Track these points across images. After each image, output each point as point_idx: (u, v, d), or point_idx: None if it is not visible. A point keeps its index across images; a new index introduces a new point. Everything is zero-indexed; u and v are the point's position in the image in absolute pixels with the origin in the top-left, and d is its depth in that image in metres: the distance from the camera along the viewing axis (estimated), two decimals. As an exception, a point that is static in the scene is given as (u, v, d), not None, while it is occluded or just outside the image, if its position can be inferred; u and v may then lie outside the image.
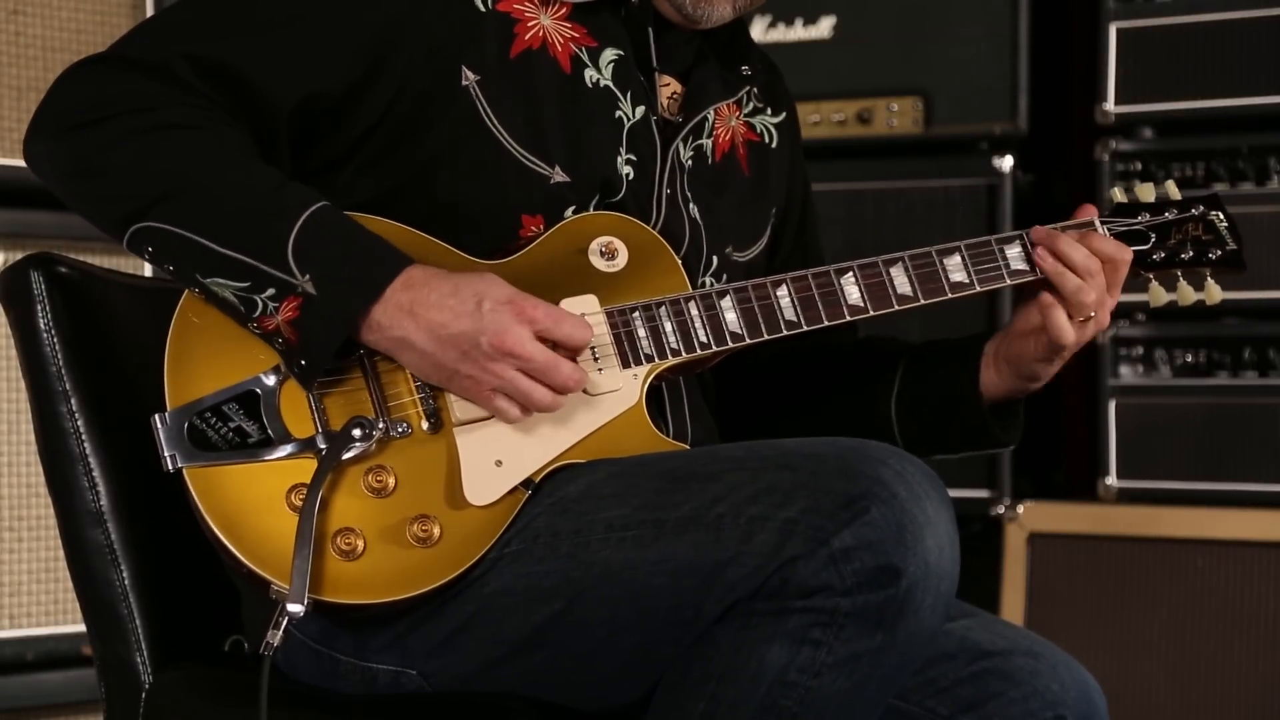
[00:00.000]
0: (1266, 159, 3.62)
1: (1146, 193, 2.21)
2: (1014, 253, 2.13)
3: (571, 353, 1.95)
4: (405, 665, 1.97)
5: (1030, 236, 2.13)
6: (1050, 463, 4.06)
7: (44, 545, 3.41)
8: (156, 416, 1.92)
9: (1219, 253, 2.20)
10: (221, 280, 1.91)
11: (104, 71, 1.97)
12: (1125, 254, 2.13)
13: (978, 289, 2.12)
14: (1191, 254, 2.20)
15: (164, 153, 1.92)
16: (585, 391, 1.98)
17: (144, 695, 2.09)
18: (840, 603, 1.79)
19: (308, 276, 1.89)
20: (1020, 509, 3.73)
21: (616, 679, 1.93)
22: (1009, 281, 2.13)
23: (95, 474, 2.09)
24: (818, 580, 1.79)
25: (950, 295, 2.12)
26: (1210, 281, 2.21)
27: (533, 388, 1.91)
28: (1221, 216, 2.22)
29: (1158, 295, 2.20)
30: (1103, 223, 2.17)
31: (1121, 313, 3.70)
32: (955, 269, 2.12)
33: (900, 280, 2.10)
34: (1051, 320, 2.10)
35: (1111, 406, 3.70)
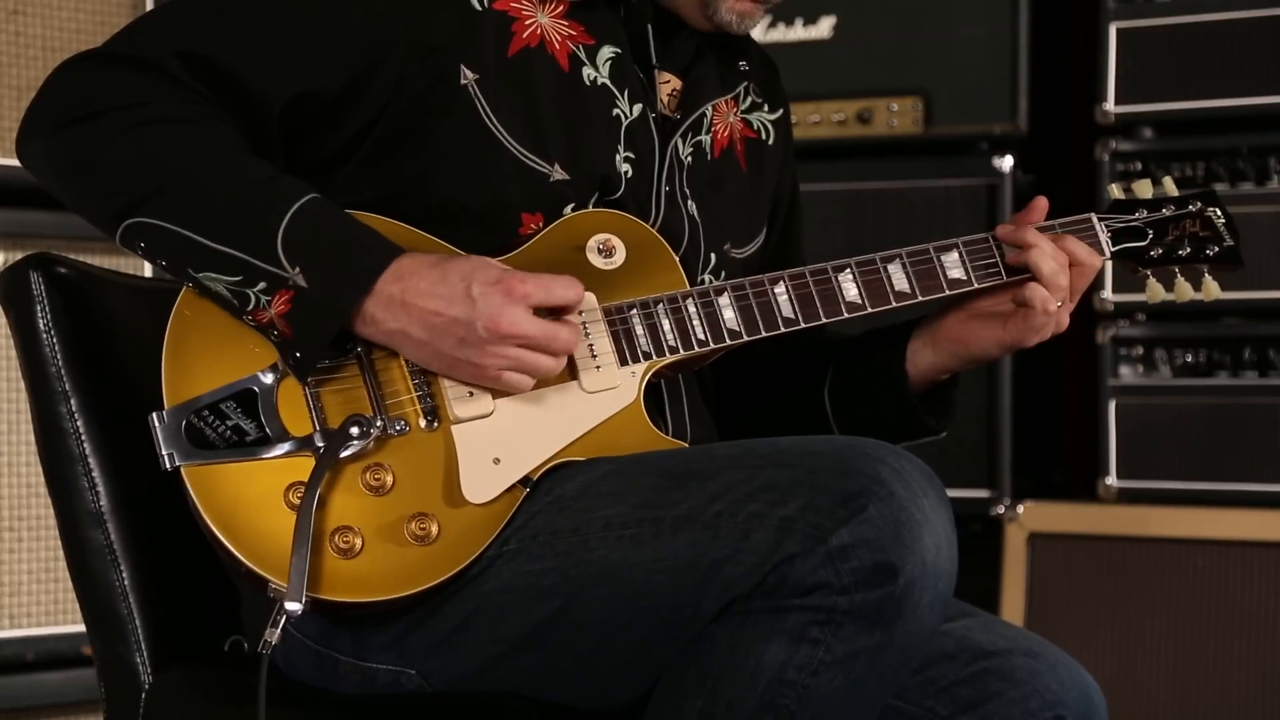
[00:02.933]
0: (1266, 159, 3.62)
1: (1144, 189, 2.21)
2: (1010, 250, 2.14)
3: (567, 313, 1.95)
4: (404, 665, 1.97)
5: (995, 234, 2.12)
6: (1050, 463, 4.06)
7: (44, 545, 3.41)
8: (154, 415, 1.92)
9: (1216, 249, 2.20)
10: (214, 274, 1.91)
11: (96, 68, 1.97)
12: (1095, 260, 2.12)
13: (975, 286, 2.12)
14: (1189, 250, 2.19)
15: (155, 147, 1.93)
16: (583, 389, 1.99)
17: (144, 695, 2.09)
18: (838, 601, 1.79)
19: (298, 269, 1.90)
20: (1020, 509, 3.73)
21: (615, 677, 1.93)
22: (1005, 279, 2.13)
23: (95, 474, 2.09)
24: (815, 578, 1.80)
25: (948, 292, 2.12)
26: (1208, 278, 2.20)
27: (538, 359, 1.93)
28: (1219, 213, 2.21)
29: (1155, 292, 2.20)
30: (1100, 219, 2.18)
31: (1121, 313, 3.70)
32: (953, 266, 2.12)
33: (898, 277, 2.10)
34: (1034, 297, 2.09)
35: (1111, 406, 3.70)
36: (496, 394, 1.96)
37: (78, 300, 2.12)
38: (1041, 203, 2.17)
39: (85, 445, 2.09)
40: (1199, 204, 2.21)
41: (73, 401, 2.09)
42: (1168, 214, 2.20)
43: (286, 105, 1.99)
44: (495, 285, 1.91)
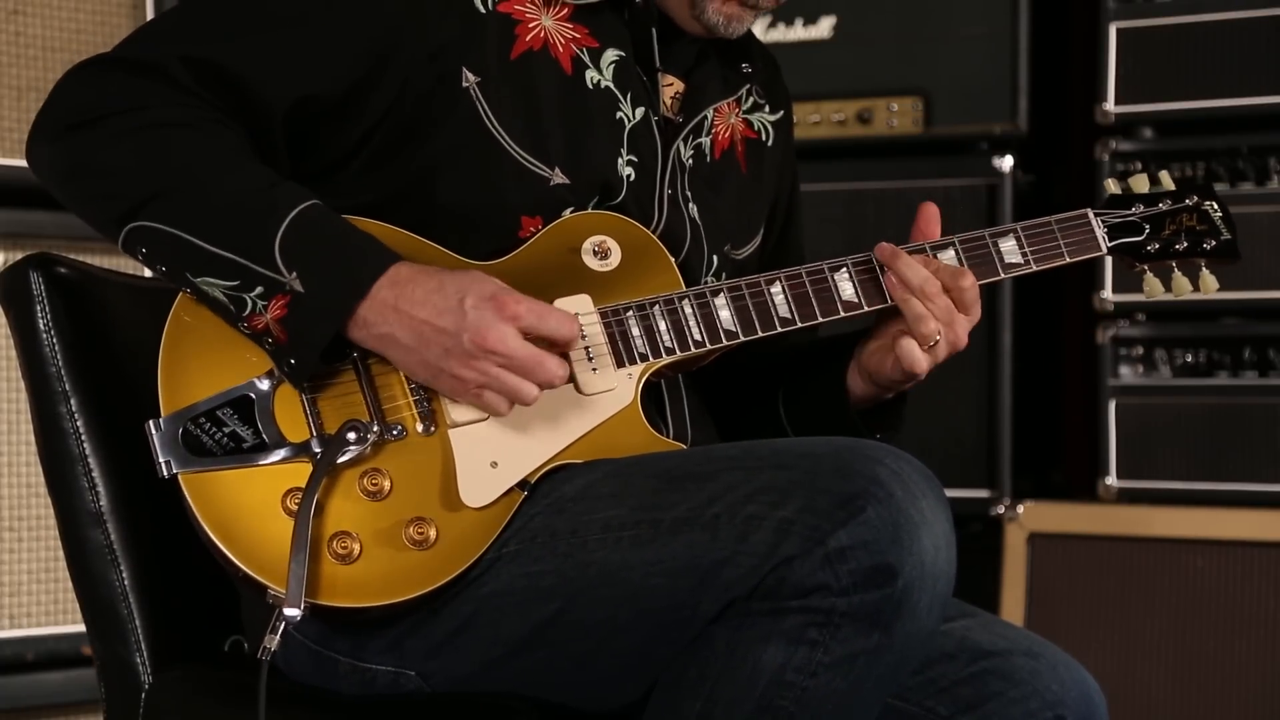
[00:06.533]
0: (1266, 159, 3.62)
1: (1140, 184, 2.20)
2: (1007, 246, 2.12)
3: (559, 348, 1.95)
4: (403, 666, 1.97)
5: (876, 257, 2.07)
6: (1050, 463, 4.06)
7: (44, 545, 3.42)
8: (150, 423, 1.92)
9: (1213, 243, 2.19)
10: (211, 279, 1.91)
11: (101, 73, 1.98)
12: (966, 279, 2.07)
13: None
14: (1186, 245, 2.18)
15: (156, 151, 1.93)
16: (579, 392, 1.98)
17: (144, 695, 2.09)
18: (836, 603, 1.79)
19: (295, 274, 1.89)
20: (1020, 509, 3.73)
21: (615, 679, 1.93)
22: (1002, 275, 2.12)
23: (95, 474, 2.09)
24: (814, 580, 1.79)
25: None
26: (1205, 272, 2.19)
27: (519, 383, 1.91)
28: (1215, 206, 2.20)
29: (1153, 288, 2.19)
30: (1096, 214, 2.17)
31: (1121, 313, 3.70)
32: (950, 262, 2.11)
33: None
34: (903, 349, 2.06)
35: (1111, 406, 3.70)
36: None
37: (78, 300, 2.12)
38: (931, 210, 2.13)
39: (85, 445, 2.09)
40: (1195, 198, 2.20)
41: (73, 401, 2.09)
42: (1164, 208, 2.19)
43: (290, 109, 1.99)
44: (489, 301, 1.90)
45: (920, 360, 2.06)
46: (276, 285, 1.89)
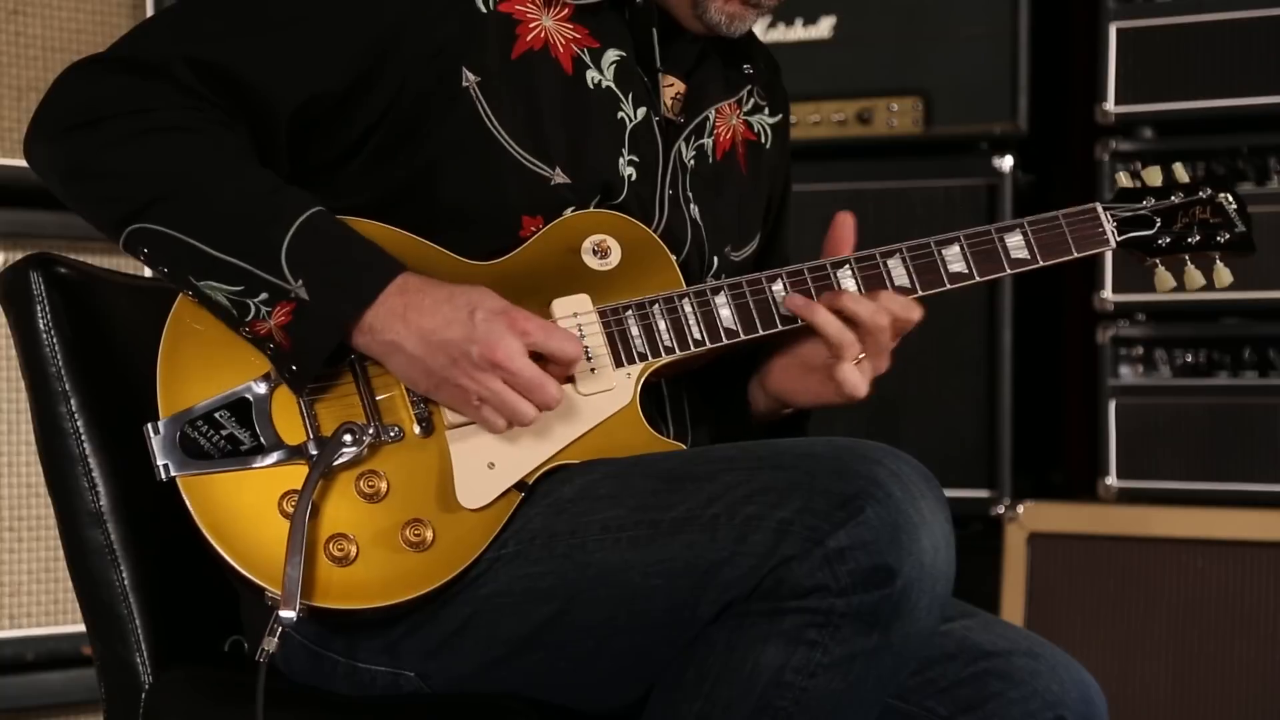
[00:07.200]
0: (1266, 159, 3.61)
1: (1153, 176, 2.17)
2: (1014, 241, 2.11)
3: (561, 367, 1.94)
4: (402, 667, 1.97)
5: (821, 298, 2.05)
6: (1050, 463, 4.06)
7: (44, 545, 3.42)
8: (149, 426, 1.92)
9: (1228, 236, 2.16)
10: (215, 284, 1.91)
11: (103, 72, 1.97)
12: (917, 312, 2.07)
13: (977, 279, 2.10)
14: (1199, 238, 2.16)
15: (160, 155, 1.92)
16: (578, 391, 1.98)
17: (144, 695, 2.09)
18: (835, 603, 1.79)
19: (300, 282, 1.89)
20: (1020, 509, 3.73)
21: (614, 679, 1.93)
22: (1008, 270, 2.12)
23: (95, 474, 2.09)
24: (813, 580, 1.79)
25: (949, 286, 2.09)
26: (1219, 265, 2.16)
27: (518, 402, 1.91)
28: (1230, 198, 2.17)
29: (1164, 281, 2.15)
30: (1105, 209, 2.15)
31: (1121, 313, 3.70)
32: (954, 259, 2.10)
33: (898, 272, 2.09)
34: (846, 375, 2.05)
35: (1111, 406, 3.70)
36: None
37: (78, 300, 2.12)
38: (847, 220, 2.13)
39: (85, 445, 2.09)
40: (1209, 190, 2.17)
41: (73, 401, 2.09)
42: (1176, 201, 2.16)
43: (295, 110, 1.98)
44: (500, 315, 1.91)
45: (863, 384, 2.06)
46: (281, 292, 1.89)
